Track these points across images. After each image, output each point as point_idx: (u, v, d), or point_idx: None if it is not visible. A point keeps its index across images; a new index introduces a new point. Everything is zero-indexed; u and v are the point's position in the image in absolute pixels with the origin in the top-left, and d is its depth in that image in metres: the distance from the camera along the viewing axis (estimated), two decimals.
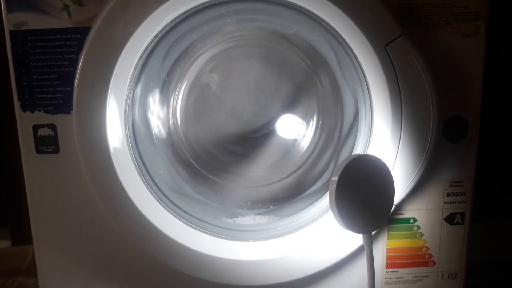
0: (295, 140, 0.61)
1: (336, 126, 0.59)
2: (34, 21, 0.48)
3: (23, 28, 0.49)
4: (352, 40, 0.51)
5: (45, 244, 0.55)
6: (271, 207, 0.61)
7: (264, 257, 0.56)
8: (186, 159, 0.60)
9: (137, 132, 0.56)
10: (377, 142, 0.54)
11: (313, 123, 0.60)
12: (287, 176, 0.61)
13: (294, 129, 0.61)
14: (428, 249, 0.58)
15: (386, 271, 0.58)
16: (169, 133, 0.59)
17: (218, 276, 0.55)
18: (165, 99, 0.58)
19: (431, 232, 0.57)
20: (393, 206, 0.54)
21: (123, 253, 0.55)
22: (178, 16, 0.50)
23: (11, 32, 0.49)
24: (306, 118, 0.60)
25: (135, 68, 0.51)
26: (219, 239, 0.56)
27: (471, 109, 0.54)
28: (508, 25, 0.76)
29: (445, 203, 0.57)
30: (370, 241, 0.52)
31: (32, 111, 0.51)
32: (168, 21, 0.50)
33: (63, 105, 0.51)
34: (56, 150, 0.52)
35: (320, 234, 0.56)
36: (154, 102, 0.58)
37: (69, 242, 0.55)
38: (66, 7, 0.48)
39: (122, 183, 0.52)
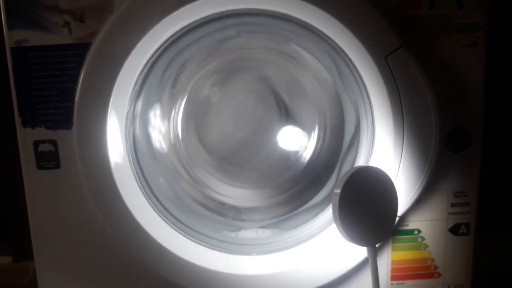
0: (297, 151, 0.61)
1: (338, 138, 0.59)
2: (35, 38, 0.49)
3: (24, 45, 0.49)
4: (352, 52, 0.51)
5: (46, 260, 0.55)
6: (274, 220, 0.60)
7: (268, 271, 0.55)
8: (187, 173, 0.60)
9: (138, 147, 0.56)
10: (379, 153, 0.54)
11: (315, 135, 0.60)
12: (290, 189, 0.61)
13: (296, 141, 0.61)
14: (433, 260, 0.57)
15: (391, 284, 0.58)
16: (170, 147, 0.59)
17: None
18: (166, 113, 0.58)
19: (436, 244, 0.57)
20: (397, 218, 0.54)
21: (125, 268, 0.54)
22: (178, 31, 0.50)
23: (12, 49, 0.49)
24: (308, 129, 0.60)
25: (135, 83, 0.51)
26: (222, 253, 0.56)
27: (473, 119, 0.54)
28: (508, 32, 0.76)
29: (450, 213, 0.56)
30: (374, 253, 0.52)
31: (33, 127, 0.51)
32: (168, 36, 0.50)
33: (64, 121, 0.51)
34: (57, 166, 0.52)
35: (324, 247, 0.56)
36: (155, 117, 0.58)
37: (70, 258, 0.55)
38: (66, 23, 0.49)
39: (123, 198, 0.52)
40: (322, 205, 0.59)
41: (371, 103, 0.53)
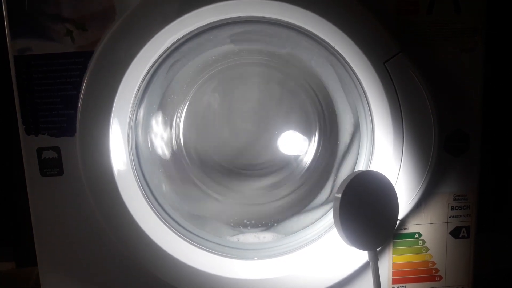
0: (298, 156, 0.62)
1: (338, 142, 0.60)
2: (38, 47, 0.49)
3: (27, 53, 0.49)
4: (351, 58, 0.51)
5: (50, 265, 0.55)
6: (275, 224, 0.61)
7: (269, 275, 0.55)
8: (189, 179, 0.60)
9: (140, 153, 0.56)
10: (379, 157, 0.54)
11: (315, 139, 0.61)
12: (291, 193, 0.61)
13: (296, 146, 0.61)
14: (434, 263, 0.57)
15: (393, 287, 0.58)
16: (172, 154, 0.60)
17: None
18: (168, 120, 0.59)
19: (436, 247, 0.57)
20: (398, 221, 0.54)
21: (128, 274, 0.55)
22: (179, 39, 0.51)
23: (15, 57, 0.49)
24: (308, 134, 0.61)
25: (137, 91, 0.52)
26: (223, 258, 0.56)
27: (472, 123, 0.54)
28: (506, 36, 0.77)
29: (450, 217, 0.56)
30: (375, 257, 0.52)
31: (36, 134, 0.51)
32: (170, 44, 0.51)
33: (67, 128, 0.51)
34: (60, 173, 0.52)
35: (325, 251, 0.56)
36: (157, 124, 0.58)
37: (73, 263, 0.55)
38: (69, 32, 0.49)
39: (126, 204, 0.52)
40: (323, 209, 0.60)
41: (371, 108, 0.53)
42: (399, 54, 0.50)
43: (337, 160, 0.60)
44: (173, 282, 0.54)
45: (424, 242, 0.57)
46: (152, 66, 0.51)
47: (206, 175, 0.60)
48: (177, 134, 0.59)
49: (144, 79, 0.52)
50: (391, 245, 0.57)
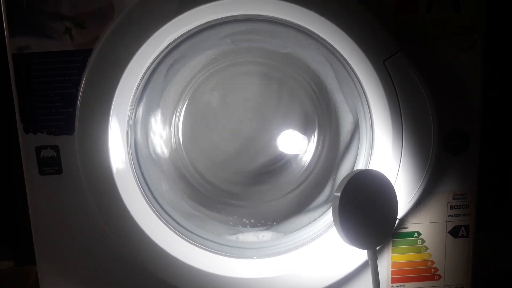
0: (297, 155, 0.62)
1: (337, 141, 0.60)
2: (36, 45, 0.49)
3: (26, 51, 0.49)
4: (350, 56, 0.51)
5: (48, 264, 0.55)
6: (274, 223, 0.61)
7: (268, 274, 0.55)
8: (188, 178, 0.60)
9: (139, 152, 0.56)
10: (379, 156, 0.54)
11: (314, 138, 0.61)
12: (290, 192, 0.61)
13: (296, 145, 0.61)
14: (433, 262, 0.57)
15: (392, 286, 0.58)
16: (171, 152, 0.60)
17: None
18: (167, 118, 0.59)
19: (436, 246, 0.57)
20: (397, 220, 0.54)
21: (126, 272, 0.55)
22: (178, 38, 0.51)
23: (13, 55, 0.49)
24: (307, 133, 0.61)
25: (136, 89, 0.52)
26: (223, 256, 0.56)
27: (471, 122, 0.54)
28: (506, 35, 0.77)
29: (449, 216, 0.56)
30: (374, 256, 0.52)
31: (35, 133, 0.51)
32: (169, 42, 0.51)
33: (66, 126, 0.51)
34: (59, 171, 0.52)
35: (324, 250, 0.56)
36: (156, 122, 0.58)
37: (72, 262, 0.55)
38: (68, 30, 0.49)
39: (125, 203, 0.52)
40: (322, 208, 0.60)
41: (370, 107, 0.53)
42: (398, 53, 0.50)
43: (337, 159, 0.60)
44: (172, 280, 0.54)
45: (423, 241, 0.57)
46: (151, 65, 0.51)
47: (204, 174, 0.60)
48: (176, 132, 0.59)
49: (143, 77, 0.52)
50: (390, 244, 0.57)
